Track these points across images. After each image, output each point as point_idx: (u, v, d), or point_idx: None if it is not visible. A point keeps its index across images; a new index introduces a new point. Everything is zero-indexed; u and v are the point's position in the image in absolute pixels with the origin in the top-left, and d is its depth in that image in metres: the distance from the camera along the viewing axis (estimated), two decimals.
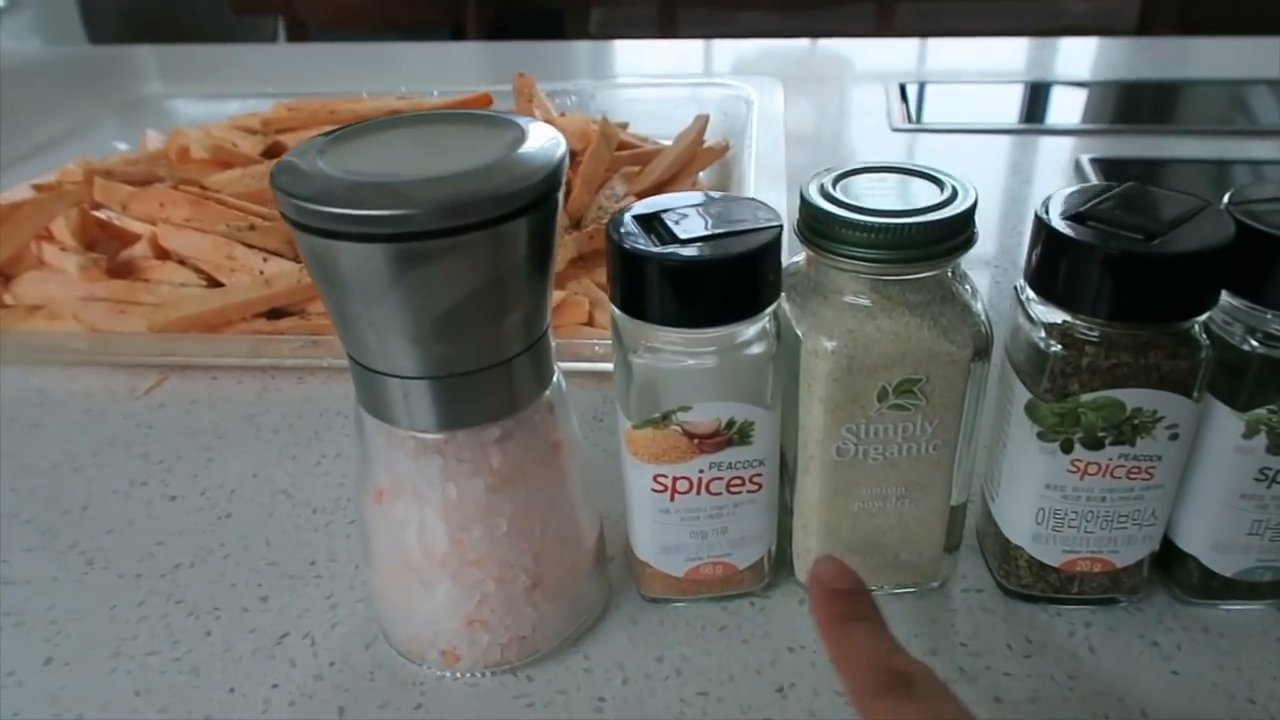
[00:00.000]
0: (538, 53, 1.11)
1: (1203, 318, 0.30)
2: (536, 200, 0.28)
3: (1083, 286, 0.30)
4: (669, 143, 0.67)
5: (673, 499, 0.34)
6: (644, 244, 0.30)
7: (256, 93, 0.82)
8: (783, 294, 0.33)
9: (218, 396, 0.52)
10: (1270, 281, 0.30)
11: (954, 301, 0.32)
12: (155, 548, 0.41)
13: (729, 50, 1.14)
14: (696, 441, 0.33)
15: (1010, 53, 1.07)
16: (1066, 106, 0.91)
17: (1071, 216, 0.30)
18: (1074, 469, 0.32)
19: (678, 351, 0.31)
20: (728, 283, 0.30)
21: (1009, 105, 0.90)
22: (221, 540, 0.41)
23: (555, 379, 0.33)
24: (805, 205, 0.31)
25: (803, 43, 1.13)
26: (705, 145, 0.69)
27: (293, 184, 0.27)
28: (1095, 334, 0.30)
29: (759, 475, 0.34)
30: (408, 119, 0.31)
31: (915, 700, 0.26)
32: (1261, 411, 0.31)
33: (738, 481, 0.34)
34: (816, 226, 0.31)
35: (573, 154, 0.65)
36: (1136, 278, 0.29)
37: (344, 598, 0.38)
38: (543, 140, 0.29)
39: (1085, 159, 0.70)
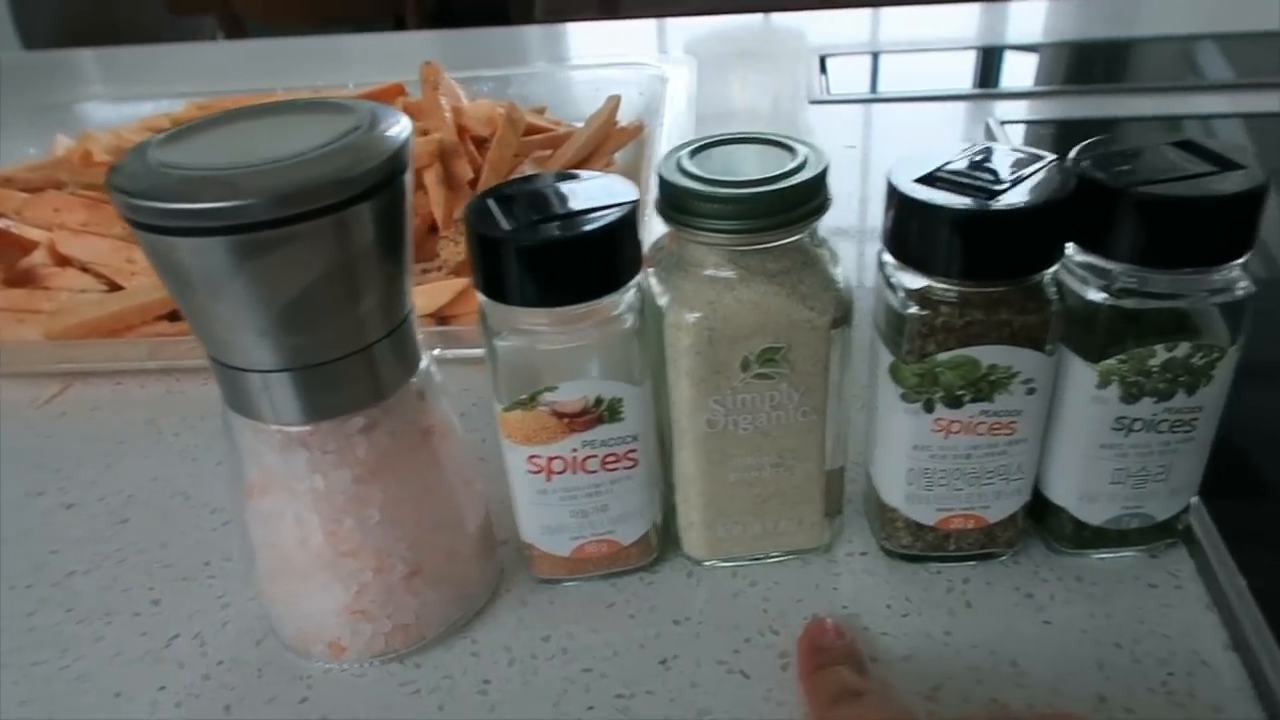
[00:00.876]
0: (485, 38, 1.09)
1: (1050, 272, 0.31)
2: (377, 185, 0.28)
3: (931, 248, 0.30)
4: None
5: (549, 479, 0.34)
6: (498, 226, 0.30)
7: (193, 92, 0.81)
8: (650, 271, 0.33)
9: (121, 401, 0.51)
10: (1112, 234, 0.30)
11: (814, 269, 0.32)
12: (49, 556, 0.41)
13: (681, 29, 1.12)
14: (566, 421, 0.33)
15: (964, 19, 1.06)
16: (1019, 71, 0.90)
17: (921, 179, 0.31)
18: (938, 428, 0.33)
19: (541, 332, 0.31)
20: (582, 261, 0.30)
21: (959, 72, 0.90)
22: (117, 545, 0.41)
23: (424, 365, 0.33)
24: (661, 181, 0.31)
25: (757, 18, 1.12)
26: (620, 126, 0.69)
27: (125, 181, 0.27)
28: (949, 294, 0.31)
29: (633, 451, 0.34)
30: (253, 110, 0.31)
31: (862, 704, 0.29)
32: (1112, 362, 0.31)
33: (613, 458, 0.34)
34: (673, 201, 0.31)
35: (480, 140, 0.65)
36: (978, 236, 0.29)
37: (236, 596, 0.38)
38: (386, 124, 0.29)
39: (993, 122, 0.71)
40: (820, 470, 0.35)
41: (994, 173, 0.30)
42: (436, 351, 0.47)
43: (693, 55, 0.81)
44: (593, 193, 0.32)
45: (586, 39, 1.17)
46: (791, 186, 0.30)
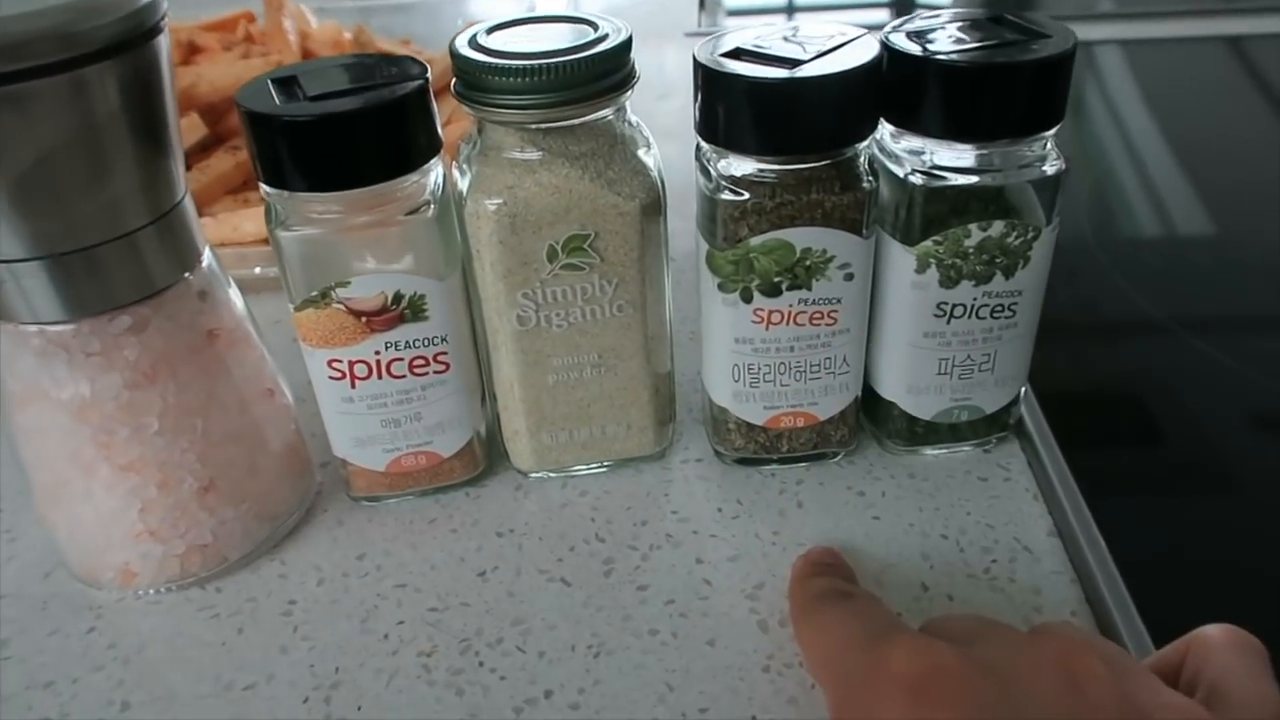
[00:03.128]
0: None
1: (863, 151, 0.30)
2: (113, 44, 0.25)
3: (735, 123, 0.29)
4: None
5: (353, 385, 0.32)
6: (270, 103, 0.28)
7: None
8: (455, 161, 0.31)
9: None
10: (920, 107, 0.29)
11: (622, 153, 0.30)
12: None
13: None
14: (365, 320, 0.31)
15: None
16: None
17: (727, 53, 0.29)
18: (758, 319, 0.31)
19: (331, 221, 0.29)
20: (363, 139, 0.28)
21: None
22: None
23: (206, 262, 0.30)
24: (453, 55, 0.29)
25: None
26: None
27: None
28: (760, 176, 0.29)
29: (443, 354, 0.32)
30: None
31: (849, 604, 0.26)
32: (928, 244, 0.30)
33: (421, 362, 0.32)
34: (466, 78, 0.29)
35: None
36: (778, 107, 0.28)
37: (26, 530, 0.35)
38: None
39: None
40: (645, 371, 0.33)
41: (803, 45, 0.29)
42: (258, 270, 0.45)
43: None
44: (383, 73, 0.29)
45: None
46: (588, 58, 0.28)
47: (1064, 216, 0.31)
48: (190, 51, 0.61)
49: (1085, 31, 0.74)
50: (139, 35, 0.26)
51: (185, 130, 0.53)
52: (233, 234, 0.48)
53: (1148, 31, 0.75)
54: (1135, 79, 0.69)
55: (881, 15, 0.91)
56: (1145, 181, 0.57)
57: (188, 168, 0.54)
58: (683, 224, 0.33)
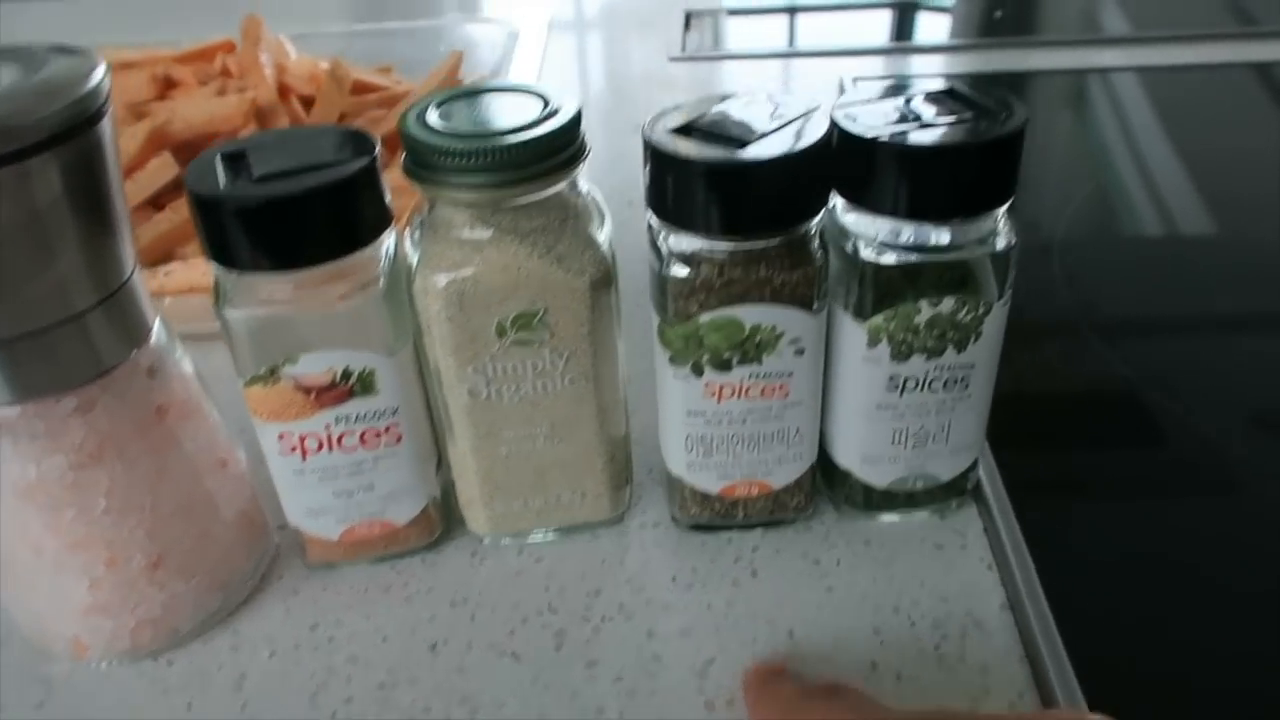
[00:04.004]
0: None
1: (814, 228, 0.30)
2: (57, 133, 0.25)
3: (684, 201, 0.28)
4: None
5: (304, 458, 0.32)
6: (215, 184, 0.28)
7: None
8: (408, 230, 0.31)
9: None
10: (873, 185, 0.29)
11: (574, 228, 0.30)
12: None
13: None
14: (314, 395, 0.30)
15: None
16: (931, 28, 0.88)
17: (677, 129, 0.29)
18: (710, 392, 0.31)
19: (278, 300, 0.29)
20: (309, 221, 0.28)
21: (874, 29, 0.88)
22: None
23: (155, 337, 0.30)
24: (401, 135, 0.29)
25: None
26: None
27: None
28: (709, 253, 0.29)
29: (395, 425, 0.32)
30: None
31: (840, 699, 0.26)
32: (879, 319, 0.30)
33: (372, 434, 0.32)
34: (415, 157, 0.29)
35: (308, 99, 0.61)
36: (725, 187, 0.28)
37: None
38: (71, 68, 0.26)
39: (849, 79, 0.70)
40: (599, 439, 0.33)
41: (749, 123, 0.29)
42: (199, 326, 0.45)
43: (568, 12, 0.78)
44: (334, 147, 0.29)
45: None
46: (537, 138, 0.28)
47: (1020, 289, 0.31)
48: (165, 86, 0.61)
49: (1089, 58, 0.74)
50: (83, 122, 0.25)
51: (158, 170, 0.53)
52: (202, 279, 0.48)
53: (1157, 57, 0.74)
54: (1150, 103, 0.69)
55: (884, 20, 0.90)
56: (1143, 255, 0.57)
57: (160, 207, 0.54)
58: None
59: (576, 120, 0.29)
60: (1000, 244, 0.30)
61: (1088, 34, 0.82)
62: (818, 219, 0.29)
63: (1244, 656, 0.31)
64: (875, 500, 0.34)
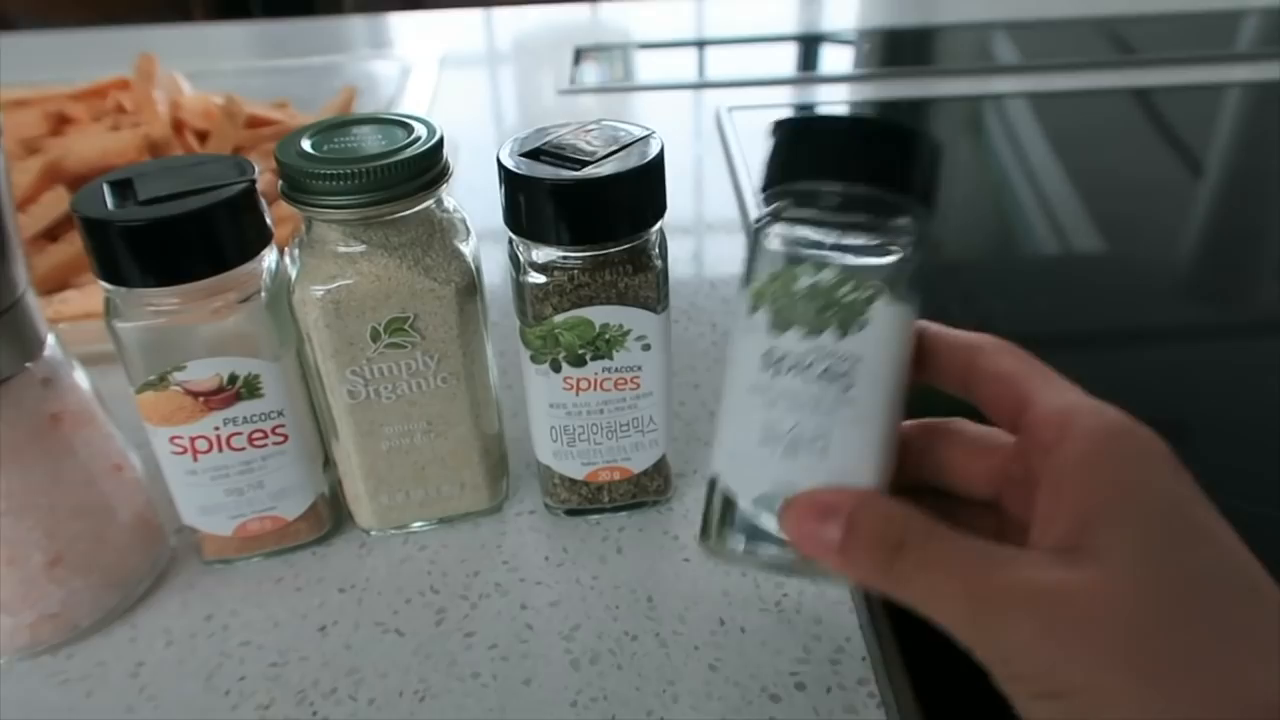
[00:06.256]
0: (306, 30, 1.03)
1: (652, 236, 0.34)
2: None
3: (532, 217, 0.32)
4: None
5: (195, 459, 0.34)
6: (103, 209, 0.30)
7: None
8: (289, 248, 0.34)
9: None
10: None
11: (440, 241, 0.34)
12: None
13: (511, 20, 1.08)
14: (202, 400, 0.33)
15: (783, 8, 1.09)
16: (835, 58, 0.94)
17: (526, 153, 0.33)
18: (568, 386, 0.35)
19: (166, 312, 0.32)
20: (192, 239, 0.31)
21: (779, 60, 0.92)
22: None
23: (49, 349, 0.33)
24: (277, 161, 0.32)
25: (584, 9, 1.11)
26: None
27: None
28: (560, 261, 0.33)
29: (281, 426, 0.35)
30: None
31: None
32: (759, 283, 0.30)
33: (259, 435, 0.34)
34: (290, 181, 0.32)
35: (203, 134, 0.63)
36: (564, 204, 0.32)
37: None
38: None
39: (725, 110, 0.75)
40: (474, 434, 0.37)
41: (594, 146, 0.33)
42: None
43: (466, 48, 0.82)
44: (216, 173, 0.32)
45: (413, 29, 1.09)
46: (400, 161, 0.32)
47: None
48: (59, 122, 0.63)
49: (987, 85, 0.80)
50: None
51: (52, 203, 0.55)
52: (96, 305, 0.50)
53: (1046, 84, 0.80)
54: (1040, 127, 0.75)
55: (789, 51, 0.96)
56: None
57: (54, 239, 0.56)
58: None
59: (439, 145, 0.33)
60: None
61: (981, 63, 0.89)
62: (654, 230, 0.34)
63: None
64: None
